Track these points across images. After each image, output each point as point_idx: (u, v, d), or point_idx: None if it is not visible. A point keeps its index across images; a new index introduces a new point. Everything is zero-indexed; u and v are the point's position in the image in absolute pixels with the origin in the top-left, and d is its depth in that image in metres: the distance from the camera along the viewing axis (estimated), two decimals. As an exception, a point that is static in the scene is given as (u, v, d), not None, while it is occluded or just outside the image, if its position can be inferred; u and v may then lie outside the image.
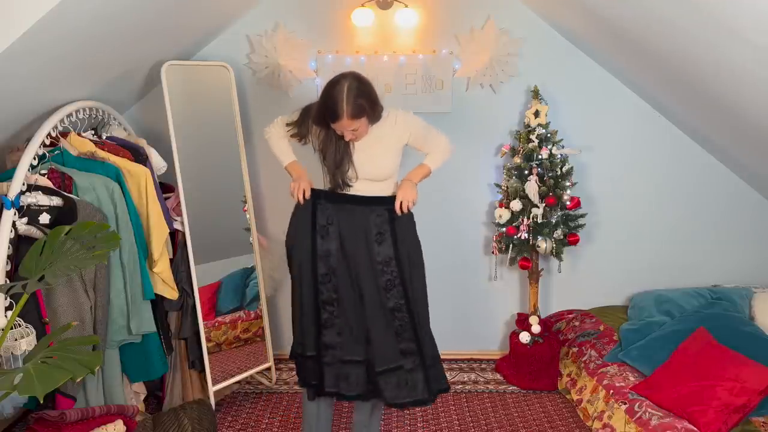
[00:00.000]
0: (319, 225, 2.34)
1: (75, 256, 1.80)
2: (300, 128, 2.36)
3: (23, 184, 2.15)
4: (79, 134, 2.55)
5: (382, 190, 2.35)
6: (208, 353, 2.93)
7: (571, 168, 3.24)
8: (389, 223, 2.33)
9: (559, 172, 3.20)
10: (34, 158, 2.24)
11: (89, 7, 1.96)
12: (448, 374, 3.45)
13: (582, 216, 3.29)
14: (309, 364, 2.39)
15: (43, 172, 2.29)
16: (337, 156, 2.27)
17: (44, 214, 2.18)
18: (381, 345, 2.29)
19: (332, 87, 2.16)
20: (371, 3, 3.21)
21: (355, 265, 2.31)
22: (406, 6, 3.21)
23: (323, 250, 2.32)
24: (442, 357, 3.54)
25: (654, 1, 2.21)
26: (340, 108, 2.12)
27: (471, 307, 3.63)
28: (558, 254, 3.22)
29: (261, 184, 3.46)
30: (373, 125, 2.27)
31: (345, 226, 2.32)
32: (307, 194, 2.32)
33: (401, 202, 2.30)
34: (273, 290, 3.52)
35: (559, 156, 3.21)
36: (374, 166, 2.30)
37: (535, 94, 3.25)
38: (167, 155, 2.87)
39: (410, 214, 2.41)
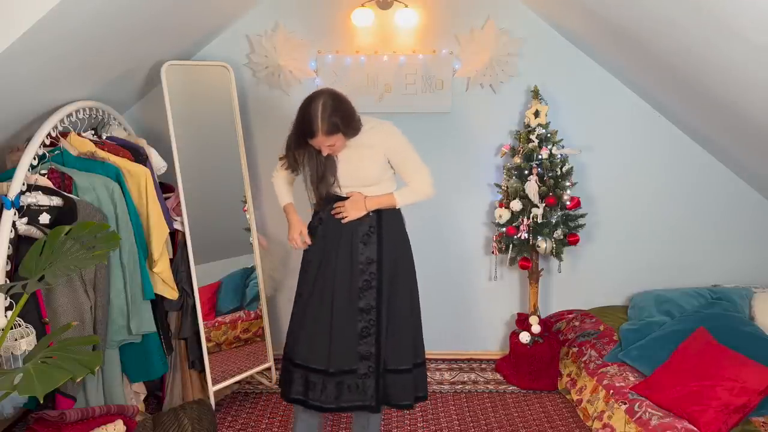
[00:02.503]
0: (314, 226, 2.43)
1: (75, 256, 1.80)
2: (288, 158, 2.40)
3: (23, 184, 2.15)
4: (79, 134, 2.54)
5: (374, 194, 2.38)
6: (208, 353, 2.93)
7: (571, 168, 3.24)
8: (377, 224, 2.36)
9: (559, 172, 3.20)
10: (34, 158, 2.24)
11: (89, 7, 1.96)
12: (447, 374, 3.47)
13: (582, 216, 3.29)
14: (286, 365, 2.42)
15: (43, 172, 2.29)
16: (319, 170, 2.31)
17: (44, 214, 2.18)
18: (340, 346, 2.30)
19: (308, 105, 2.20)
20: (371, 3, 3.21)
21: (335, 265, 2.33)
22: (406, 6, 3.21)
23: (311, 251, 2.41)
24: (442, 357, 3.62)
25: (654, 1, 2.21)
26: (315, 125, 2.16)
27: (471, 307, 3.63)
28: (558, 254, 3.22)
29: (261, 184, 3.46)
30: (354, 137, 2.29)
31: (332, 227, 2.36)
32: (306, 238, 2.39)
33: (340, 210, 2.32)
34: (273, 290, 3.52)
35: (559, 156, 3.21)
36: (358, 176, 2.33)
37: (535, 94, 3.25)
38: (167, 155, 2.87)
39: (399, 217, 2.45)
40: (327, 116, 2.16)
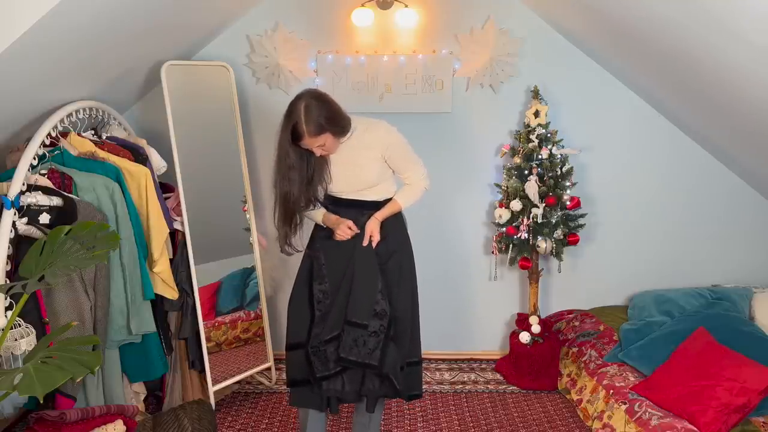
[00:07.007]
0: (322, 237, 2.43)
1: (75, 256, 1.80)
2: (299, 196, 2.32)
3: (23, 184, 2.15)
4: (79, 134, 2.54)
5: (375, 195, 2.38)
6: (208, 353, 2.93)
7: (571, 168, 3.24)
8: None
9: (559, 172, 3.20)
10: (34, 158, 2.24)
11: (89, 8, 1.96)
12: (447, 374, 3.47)
13: (582, 216, 3.29)
14: (299, 354, 2.38)
15: (43, 172, 2.29)
16: (308, 172, 2.29)
17: (44, 214, 2.18)
18: (358, 299, 2.29)
19: (292, 108, 2.20)
20: (371, 3, 3.21)
21: (350, 249, 2.33)
22: (406, 6, 3.21)
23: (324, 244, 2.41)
24: (442, 357, 3.62)
25: (654, 1, 2.21)
26: (301, 127, 2.17)
27: (471, 307, 3.63)
28: (558, 254, 3.22)
29: (261, 184, 3.46)
30: (346, 138, 2.29)
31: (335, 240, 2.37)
32: (354, 226, 2.33)
33: (369, 237, 2.33)
34: (273, 290, 3.52)
35: (559, 156, 3.21)
36: (357, 180, 2.33)
37: (535, 94, 3.25)
38: (167, 155, 2.87)
39: (401, 222, 2.45)
40: (311, 117, 2.16)
